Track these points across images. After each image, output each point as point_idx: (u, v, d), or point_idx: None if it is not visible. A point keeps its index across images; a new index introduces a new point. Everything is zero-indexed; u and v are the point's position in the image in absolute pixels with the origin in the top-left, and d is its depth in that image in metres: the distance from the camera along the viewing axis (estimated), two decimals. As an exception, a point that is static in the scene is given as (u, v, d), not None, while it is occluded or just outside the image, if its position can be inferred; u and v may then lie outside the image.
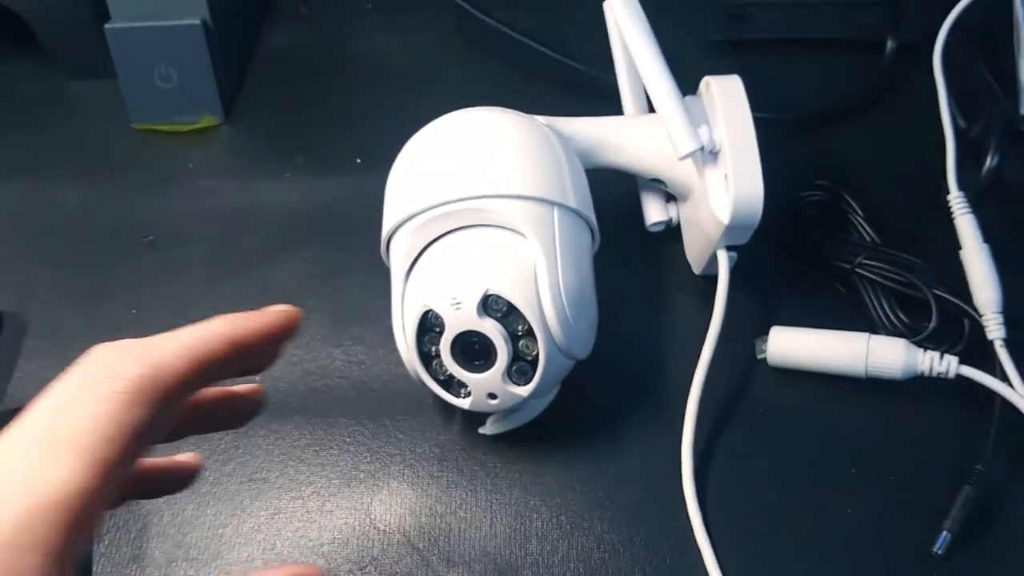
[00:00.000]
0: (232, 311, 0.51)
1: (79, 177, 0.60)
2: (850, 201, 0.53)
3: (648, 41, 0.48)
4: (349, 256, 0.55)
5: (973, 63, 0.53)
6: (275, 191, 0.58)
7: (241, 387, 0.35)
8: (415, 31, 0.66)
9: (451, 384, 0.45)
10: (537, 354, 0.43)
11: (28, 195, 0.59)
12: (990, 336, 0.46)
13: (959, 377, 0.46)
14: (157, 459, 0.34)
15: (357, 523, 0.46)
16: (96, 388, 0.28)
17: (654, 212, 0.54)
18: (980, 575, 0.43)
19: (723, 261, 0.48)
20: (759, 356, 0.49)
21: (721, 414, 0.48)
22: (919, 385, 0.47)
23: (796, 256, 0.53)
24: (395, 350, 0.48)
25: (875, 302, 0.50)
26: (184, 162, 0.60)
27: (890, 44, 0.60)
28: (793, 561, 0.43)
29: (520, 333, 0.43)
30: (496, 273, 0.43)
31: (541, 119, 0.49)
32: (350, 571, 0.44)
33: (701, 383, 0.46)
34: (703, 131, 0.47)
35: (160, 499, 0.46)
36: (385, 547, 0.45)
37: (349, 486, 0.47)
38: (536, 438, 0.47)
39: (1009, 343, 0.46)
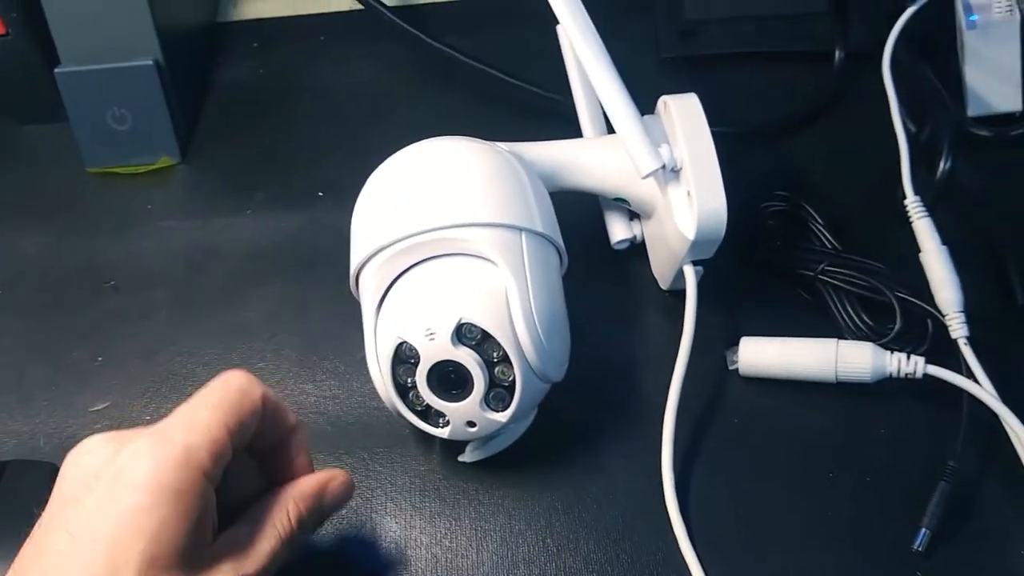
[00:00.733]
0: (199, 352, 0.52)
1: (36, 223, 0.59)
2: (809, 210, 0.54)
3: (604, 63, 0.48)
4: (316, 289, 0.55)
5: (920, 69, 0.54)
6: (237, 228, 0.58)
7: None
8: (369, 61, 0.66)
9: (429, 414, 0.45)
10: (513, 379, 0.43)
11: (-15, 244, 0.58)
12: (953, 335, 0.47)
13: (926, 376, 0.47)
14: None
15: (343, 561, 0.45)
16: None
17: (619, 230, 0.54)
18: (960, 569, 0.44)
19: (690, 276, 0.49)
20: (731, 367, 0.50)
21: (697, 426, 0.48)
22: (888, 386, 0.48)
23: (760, 266, 0.53)
24: (369, 382, 0.48)
25: (839, 307, 0.51)
26: (143, 203, 0.60)
27: (838, 54, 0.61)
28: (779, 567, 0.44)
29: (495, 359, 0.43)
30: (468, 301, 0.43)
31: (503, 146, 0.49)
32: (338, 609, 0.44)
33: (676, 397, 0.47)
34: (664, 150, 0.47)
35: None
36: (372, 582, 0.44)
37: (331, 523, 0.46)
38: (516, 463, 0.47)
39: (972, 341, 0.47)
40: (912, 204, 0.51)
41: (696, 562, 0.44)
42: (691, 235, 0.46)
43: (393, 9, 0.63)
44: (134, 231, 0.58)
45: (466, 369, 0.43)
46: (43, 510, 0.43)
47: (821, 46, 0.63)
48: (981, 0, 0.58)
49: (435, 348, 0.42)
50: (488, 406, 0.44)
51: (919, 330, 0.49)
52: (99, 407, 0.51)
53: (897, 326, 0.48)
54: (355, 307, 0.48)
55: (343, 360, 0.52)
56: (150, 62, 0.58)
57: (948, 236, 0.51)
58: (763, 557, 0.44)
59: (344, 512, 0.47)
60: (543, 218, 0.46)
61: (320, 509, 0.41)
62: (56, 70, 0.58)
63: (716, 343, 0.51)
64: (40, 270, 0.57)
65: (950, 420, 0.46)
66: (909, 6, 0.55)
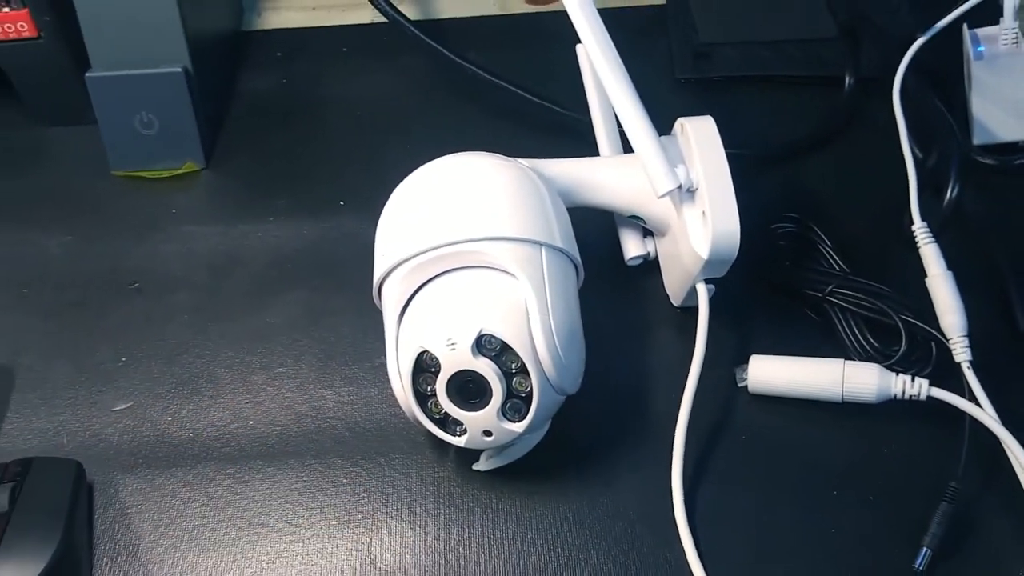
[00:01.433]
0: (222, 356, 0.53)
1: (61, 224, 0.60)
2: (818, 232, 0.55)
3: (624, 84, 0.49)
4: (337, 296, 0.56)
5: (928, 98, 0.56)
6: (260, 234, 0.59)
7: None
8: (391, 73, 0.68)
9: (446, 423, 0.46)
10: (530, 391, 0.45)
11: (10, 243, 0.59)
12: (957, 359, 0.49)
13: (930, 399, 0.48)
14: None
15: (358, 564, 0.46)
16: None
17: (632, 247, 0.56)
18: (959, 588, 0.45)
19: (702, 293, 0.50)
20: (740, 384, 0.51)
21: (707, 441, 0.50)
22: (892, 407, 0.49)
23: (769, 286, 0.55)
24: (387, 389, 0.50)
25: (846, 328, 0.52)
26: (167, 208, 0.61)
27: (848, 80, 0.62)
28: (784, 582, 0.45)
29: (513, 371, 0.44)
30: (489, 313, 0.44)
31: (524, 162, 0.50)
32: (353, 610, 0.45)
33: (688, 412, 0.48)
34: (680, 170, 0.49)
35: (161, 548, 0.47)
36: (387, 585, 0.46)
37: (348, 527, 0.48)
38: (529, 473, 0.49)
39: (975, 365, 0.48)
40: (919, 230, 0.52)
41: (703, 575, 0.45)
42: (705, 255, 0.48)
43: (416, 23, 0.64)
44: (158, 235, 0.60)
45: (485, 379, 0.44)
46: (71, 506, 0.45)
47: (831, 71, 0.65)
48: (988, 32, 0.59)
49: (455, 358, 0.44)
50: (505, 416, 0.45)
51: (923, 352, 0.50)
52: (122, 407, 0.52)
53: (902, 348, 0.50)
54: (375, 315, 0.49)
55: (362, 367, 0.53)
56: (179, 69, 0.59)
57: (953, 261, 0.52)
58: (768, 572, 0.46)
59: (359, 516, 0.48)
60: (562, 233, 0.48)
61: None
62: (87, 74, 0.60)
63: (726, 360, 0.52)
64: (64, 271, 0.58)
65: (952, 442, 0.48)
66: (919, 36, 0.56)
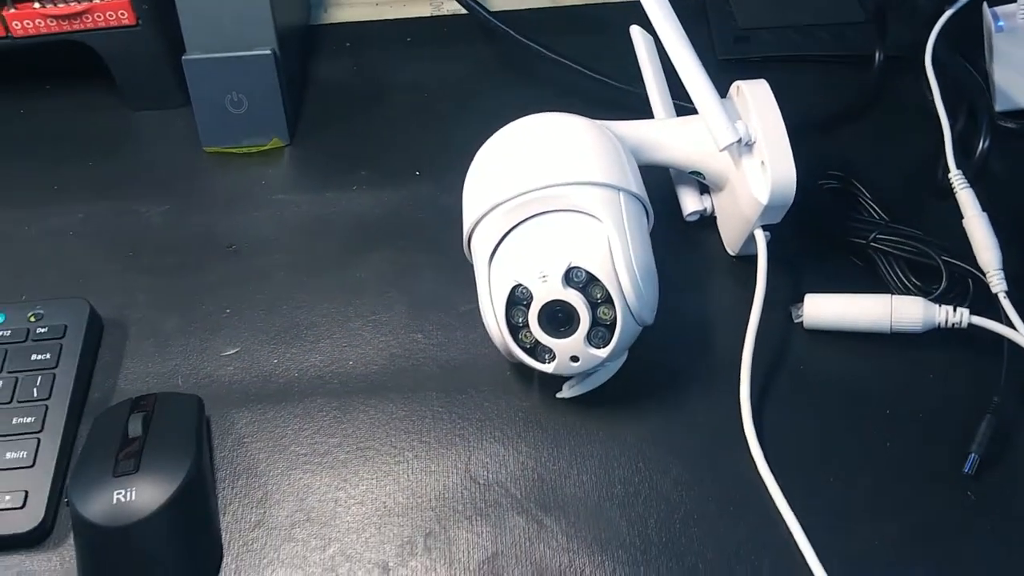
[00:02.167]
0: (319, 306, 0.58)
1: (159, 197, 0.65)
2: (859, 187, 0.61)
3: (688, 49, 0.55)
4: (420, 254, 0.61)
5: (956, 61, 0.61)
6: (344, 201, 0.64)
7: None
8: (451, 60, 0.74)
9: (536, 351, 0.51)
10: (614, 319, 0.50)
11: (114, 213, 0.64)
12: (994, 289, 0.54)
13: (970, 326, 0.53)
14: None
15: (459, 479, 0.51)
16: None
17: (691, 203, 0.61)
18: (1005, 488, 0.50)
19: (760, 238, 0.56)
20: (796, 320, 0.56)
21: (768, 370, 0.55)
22: (936, 336, 0.54)
23: (817, 236, 0.60)
24: (472, 332, 0.55)
25: (890, 270, 0.57)
26: (256, 180, 0.66)
27: (878, 56, 0.68)
28: (844, 488, 0.50)
29: (599, 300, 0.49)
30: (576, 249, 0.49)
31: (597, 122, 0.56)
32: (459, 521, 0.50)
33: (752, 341, 0.53)
34: (740, 125, 0.54)
35: (277, 471, 0.51)
36: (487, 499, 0.50)
37: (447, 449, 0.52)
38: (609, 400, 0.54)
39: (1010, 295, 0.54)
40: (955, 177, 0.58)
41: (773, 481, 0.50)
42: (765, 200, 0.53)
43: (487, 11, 0.70)
44: (250, 203, 0.65)
45: (573, 308, 0.49)
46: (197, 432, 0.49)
47: (858, 51, 0.71)
48: (1007, 9, 0.65)
49: (547, 289, 0.49)
50: (590, 343, 0.50)
51: (962, 288, 0.55)
52: (230, 352, 0.57)
53: (943, 285, 0.55)
54: (456, 269, 0.55)
55: (448, 314, 0.58)
56: (268, 52, 0.65)
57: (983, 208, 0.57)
58: (830, 479, 0.50)
59: (456, 440, 0.53)
60: (636, 181, 0.53)
61: None
62: (184, 57, 0.65)
63: (780, 302, 0.57)
64: (165, 236, 0.63)
65: (992, 365, 0.53)
66: (948, 8, 0.62)
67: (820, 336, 0.56)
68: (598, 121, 0.56)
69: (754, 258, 0.56)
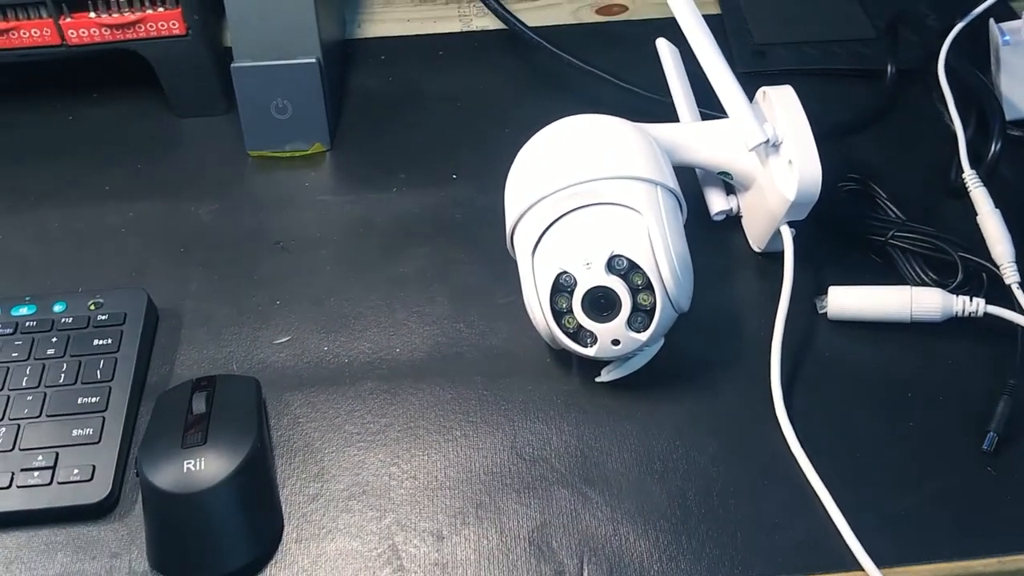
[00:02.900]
0: (365, 299, 0.61)
1: (207, 197, 0.68)
2: (877, 188, 0.64)
3: (718, 55, 0.59)
4: (459, 251, 0.64)
5: (966, 69, 0.65)
6: (385, 202, 0.68)
7: None
8: (483, 72, 0.77)
9: (579, 335, 0.54)
10: (653, 304, 0.53)
11: (164, 212, 0.67)
12: (1008, 281, 0.57)
13: (986, 315, 0.56)
14: None
15: (505, 455, 0.54)
16: None
17: (717, 203, 0.64)
18: (1022, 464, 0.53)
19: (787, 234, 0.59)
20: (820, 311, 0.59)
21: (795, 358, 0.58)
22: (954, 325, 0.57)
23: (837, 235, 0.63)
24: (514, 322, 0.58)
25: (908, 266, 0.60)
26: (300, 182, 0.69)
27: (891, 69, 0.72)
28: (871, 462, 0.53)
29: (639, 287, 0.52)
30: (618, 238, 0.52)
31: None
32: (507, 494, 0.52)
33: (782, 328, 0.56)
34: (768, 127, 0.58)
35: (331, 448, 0.54)
36: (533, 473, 0.53)
37: (493, 428, 0.55)
38: (646, 384, 0.56)
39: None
40: (969, 176, 0.61)
41: (804, 456, 0.53)
42: (792, 196, 0.56)
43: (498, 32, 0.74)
44: (295, 204, 0.68)
45: (615, 294, 0.52)
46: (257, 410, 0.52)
47: (871, 65, 0.75)
48: (1011, 25, 0.70)
49: (591, 276, 0.52)
50: (631, 327, 0.53)
51: (976, 281, 0.58)
52: (282, 340, 0.60)
53: (959, 278, 0.58)
54: (495, 265, 0.58)
55: (489, 306, 0.61)
56: (313, 60, 0.68)
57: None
58: (857, 455, 0.53)
59: (501, 420, 0.55)
60: (672, 177, 0.56)
61: None
62: (233, 65, 0.68)
63: (804, 296, 0.60)
64: (215, 233, 0.66)
65: (1007, 352, 0.56)
66: (957, 22, 0.66)
67: (844, 326, 0.59)
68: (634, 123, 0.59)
69: (778, 255, 0.59)
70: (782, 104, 0.59)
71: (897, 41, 0.73)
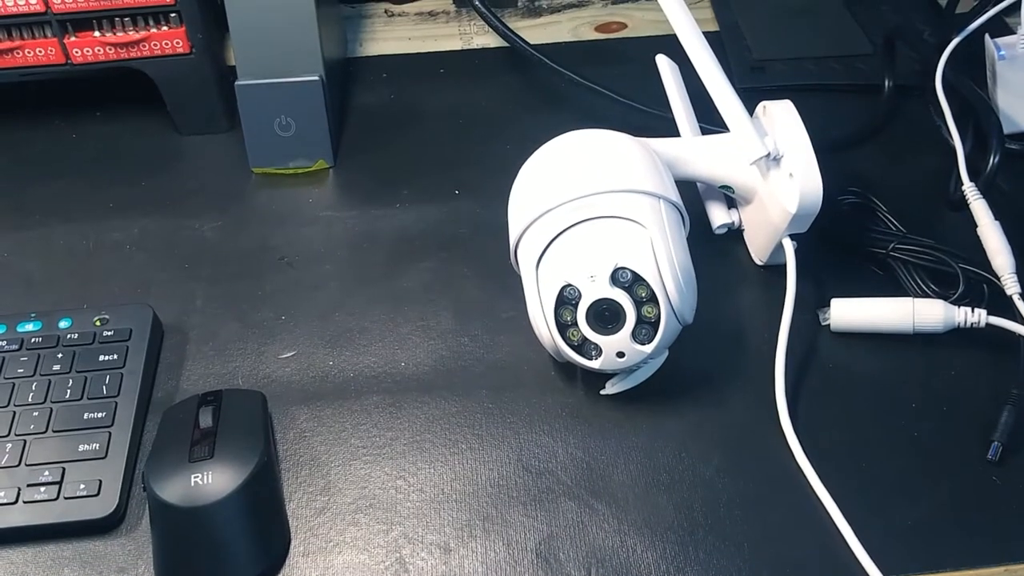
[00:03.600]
0: (369, 313, 0.61)
1: (211, 213, 0.69)
2: (877, 202, 0.65)
3: (719, 72, 0.59)
4: (462, 265, 0.65)
5: (965, 84, 0.66)
6: (389, 218, 0.68)
7: None
8: (484, 89, 0.78)
9: (583, 348, 0.54)
10: (657, 316, 0.53)
11: (169, 229, 0.68)
12: (1009, 292, 0.58)
13: (988, 326, 0.57)
14: None
15: (511, 468, 0.54)
16: None
17: (719, 217, 0.65)
18: (1027, 474, 0.53)
19: (789, 247, 0.59)
20: (823, 323, 0.60)
21: (798, 370, 0.58)
22: (956, 336, 0.58)
23: (838, 248, 0.64)
24: (517, 336, 0.58)
25: (909, 277, 0.61)
26: (304, 198, 0.70)
27: (888, 84, 0.73)
28: (876, 472, 0.53)
29: (643, 299, 0.53)
30: (622, 251, 0.53)
31: (633, 137, 0.60)
32: (514, 506, 0.52)
33: (786, 340, 0.56)
34: (768, 140, 0.58)
35: (337, 461, 0.54)
36: (540, 486, 0.53)
37: (498, 440, 0.55)
38: (650, 397, 0.57)
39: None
40: (969, 189, 0.62)
41: (809, 467, 0.53)
42: (793, 209, 0.57)
43: (498, 50, 0.75)
44: (299, 219, 0.68)
45: (620, 306, 0.52)
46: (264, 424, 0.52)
47: (869, 80, 0.76)
48: (1006, 40, 0.70)
49: (596, 288, 0.52)
50: (635, 339, 0.53)
51: (977, 292, 0.59)
52: (287, 355, 0.60)
53: (960, 290, 0.59)
54: (497, 279, 0.59)
55: (492, 320, 0.61)
56: (316, 78, 0.69)
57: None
58: (863, 465, 0.53)
59: (507, 432, 0.55)
60: (674, 191, 0.57)
61: None
62: (237, 83, 0.69)
63: (806, 309, 0.61)
64: (219, 249, 0.66)
65: (1009, 362, 0.56)
66: (953, 38, 0.67)
67: (846, 337, 0.59)
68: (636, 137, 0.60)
69: (781, 268, 0.60)
70: (782, 118, 0.59)
71: (894, 56, 0.74)
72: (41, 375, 0.56)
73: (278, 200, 0.70)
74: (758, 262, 0.64)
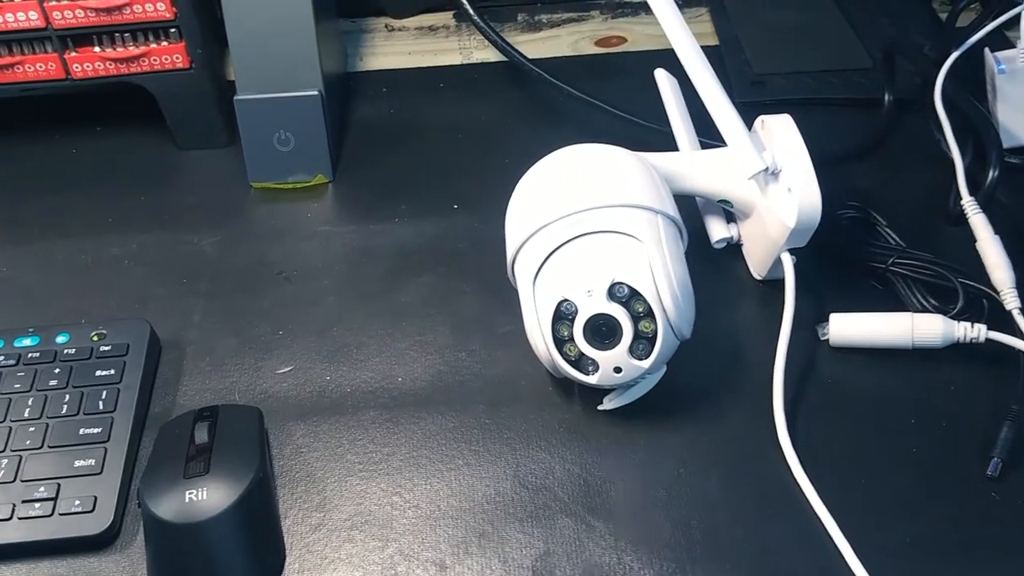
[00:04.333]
0: (368, 328, 0.61)
1: (210, 228, 0.69)
2: (876, 216, 0.64)
3: (717, 87, 0.59)
4: (460, 280, 0.64)
5: (964, 98, 0.66)
6: (387, 233, 0.68)
7: None
8: (483, 104, 0.78)
9: (580, 363, 0.54)
10: (655, 331, 0.53)
11: (167, 244, 0.68)
12: (1008, 306, 0.57)
13: (988, 341, 0.57)
14: None
15: (508, 484, 0.54)
16: None
17: (717, 231, 0.65)
18: (1027, 490, 0.53)
19: (787, 261, 0.59)
20: (822, 338, 0.59)
21: (798, 384, 0.58)
22: (955, 351, 0.57)
23: (837, 262, 0.63)
24: (514, 351, 0.58)
25: (909, 292, 0.60)
26: (303, 212, 0.70)
27: (888, 98, 0.73)
28: (875, 489, 0.53)
29: (640, 314, 0.53)
30: (619, 266, 0.53)
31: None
32: (510, 523, 0.52)
33: (784, 355, 0.56)
34: (766, 155, 0.58)
35: (334, 478, 0.54)
36: (536, 502, 0.53)
37: (495, 456, 0.55)
38: (648, 413, 0.56)
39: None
40: (968, 203, 0.62)
41: (808, 483, 0.52)
42: (792, 223, 0.57)
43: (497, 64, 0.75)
44: (297, 235, 0.68)
45: (617, 321, 0.52)
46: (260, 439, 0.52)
47: (868, 94, 0.75)
48: (1006, 54, 0.70)
49: (592, 303, 0.52)
50: (633, 355, 0.53)
51: (977, 307, 0.59)
52: (284, 370, 0.60)
53: (960, 305, 0.58)
54: (495, 294, 0.59)
55: (489, 334, 0.61)
56: (315, 93, 0.69)
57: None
58: (862, 481, 0.53)
59: (504, 449, 0.55)
60: (672, 205, 0.57)
61: None
62: (236, 97, 0.69)
63: (805, 324, 0.60)
64: (218, 264, 0.66)
65: (1008, 377, 0.56)
66: (953, 51, 0.67)
67: (845, 352, 0.59)
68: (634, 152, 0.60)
69: (779, 282, 0.59)
70: (781, 132, 0.59)
71: (893, 71, 0.74)
72: (38, 390, 0.56)
73: (277, 215, 0.70)
74: (757, 277, 0.64)
